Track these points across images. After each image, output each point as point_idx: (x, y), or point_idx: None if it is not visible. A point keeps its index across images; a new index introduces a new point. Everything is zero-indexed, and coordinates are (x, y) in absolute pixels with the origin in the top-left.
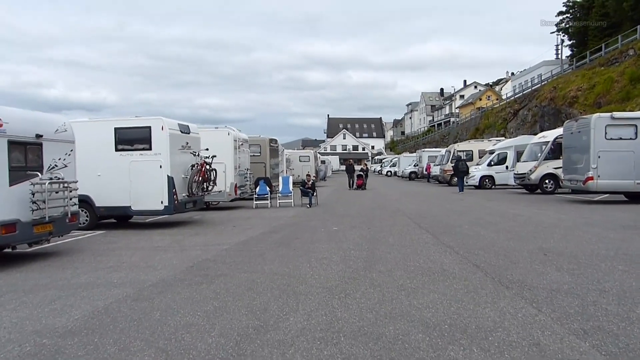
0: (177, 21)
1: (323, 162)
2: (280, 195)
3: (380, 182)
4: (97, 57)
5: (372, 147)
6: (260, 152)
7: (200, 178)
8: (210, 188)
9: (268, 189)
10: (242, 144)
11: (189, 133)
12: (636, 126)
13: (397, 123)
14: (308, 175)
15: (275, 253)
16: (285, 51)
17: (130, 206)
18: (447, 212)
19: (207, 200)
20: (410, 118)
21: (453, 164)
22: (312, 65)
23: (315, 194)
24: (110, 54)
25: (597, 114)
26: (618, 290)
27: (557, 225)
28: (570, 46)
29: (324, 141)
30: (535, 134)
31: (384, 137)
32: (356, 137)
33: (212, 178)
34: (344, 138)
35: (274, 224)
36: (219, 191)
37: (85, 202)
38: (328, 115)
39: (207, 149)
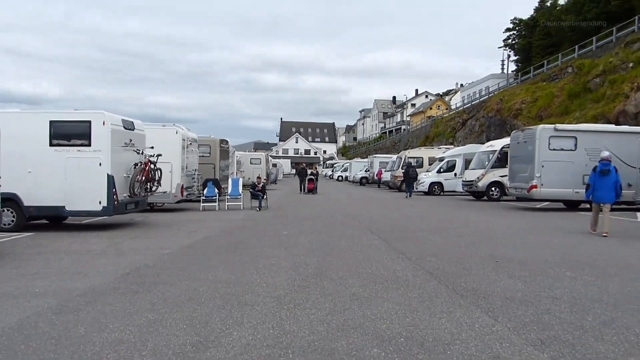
0: (130, 15)
1: (275, 165)
2: (229, 197)
3: (331, 186)
4: (42, 47)
5: (324, 152)
6: (209, 153)
7: (143, 178)
8: (154, 188)
9: (216, 191)
10: (190, 144)
11: (133, 130)
12: (576, 138)
13: (349, 129)
14: (258, 177)
15: (221, 259)
16: (241, 52)
17: (64, 206)
18: (398, 218)
19: (150, 202)
20: (363, 124)
21: (403, 170)
22: (267, 67)
23: (265, 197)
24: (57, 44)
25: (542, 125)
26: (569, 297)
27: (504, 232)
28: (516, 61)
29: (276, 144)
30: (483, 143)
31: (336, 142)
32: (309, 142)
33: (157, 178)
34: (297, 142)
35: (221, 228)
36: (164, 192)
37: (11, 200)
38: (281, 118)
39: (152, 147)
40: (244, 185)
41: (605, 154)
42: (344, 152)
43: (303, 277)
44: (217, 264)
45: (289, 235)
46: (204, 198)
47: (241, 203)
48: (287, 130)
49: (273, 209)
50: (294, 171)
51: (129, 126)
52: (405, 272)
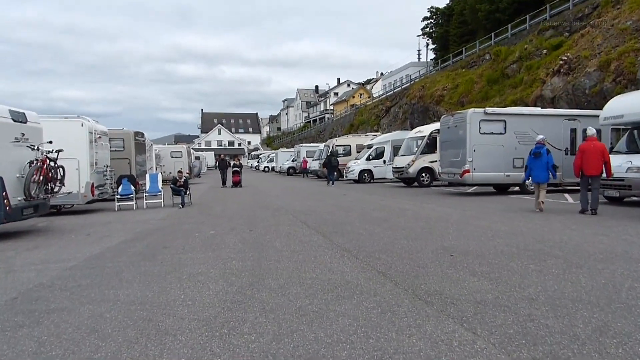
0: (27, 2)
1: (197, 158)
2: (147, 195)
3: (258, 178)
4: None
5: (249, 143)
6: (123, 147)
7: (41, 177)
8: (56, 189)
9: (133, 188)
10: (100, 137)
11: (25, 122)
12: (505, 122)
13: (273, 119)
14: (180, 172)
15: (136, 270)
16: (155, 42)
17: None
18: (332, 209)
19: (56, 204)
20: (287, 114)
21: (325, 159)
22: (183, 58)
23: (188, 192)
24: None
25: (472, 109)
26: (546, 298)
27: (446, 220)
28: (434, 49)
29: (198, 137)
30: (407, 129)
31: (260, 132)
32: (232, 133)
33: (58, 177)
34: (219, 133)
35: (138, 230)
36: (70, 192)
37: None
38: (202, 110)
39: (50, 142)
40: (164, 181)
41: (540, 137)
42: (269, 142)
43: (237, 289)
44: (132, 277)
45: (217, 235)
46: (118, 197)
47: (162, 200)
48: (208, 121)
49: (197, 205)
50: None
51: (19, 118)
52: (355, 275)
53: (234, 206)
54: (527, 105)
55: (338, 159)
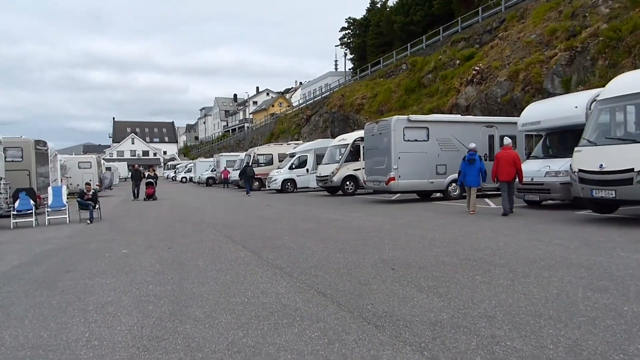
0: None
1: (109, 168)
2: (50, 210)
3: (175, 189)
4: None
5: (165, 153)
6: (22, 157)
7: None
8: None
9: (32, 202)
10: None
11: None
12: (428, 129)
13: (190, 128)
14: (88, 184)
15: (30, 302)
16: (62, 46)
17: None
18: (258, 221)
19: None
20: (204, 123)
21: (241, 169)
22: (94, 63)
23: (97, 206)
24: None
25: (396, 116)
26: (504, 314)
27: (379, 230)
28: (352, 59)
29: (109, 146)
30: (328, 137)
31: (177, 142)
32: (146, 142)
33: None
34: (133, 143)
35: (37, 251)
36: None
37: None
38: (113, 118)
39: None
40: (70, 194)
41: (472, 145)
42: (186, 152)
43: (155, 321)
44: (23, 311)
45: (131, 255)
46: (15, 213)
47: (67, 216)
48: (121, 130)
49: (108, 220)
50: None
51: None
52: (293, 296)
53: (150, 221)
54: (443, 114)
55: (261, 168)
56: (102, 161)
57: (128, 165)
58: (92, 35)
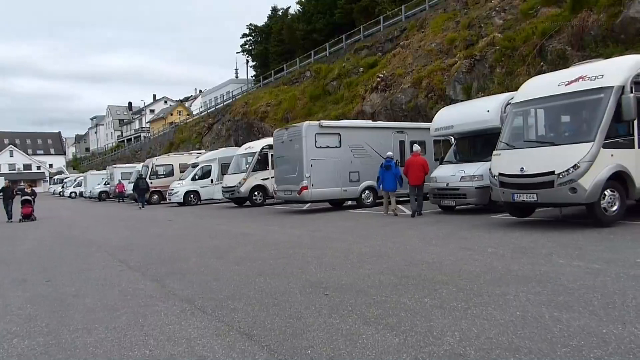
0: None
1: None
2: None
3: (63, 206)
4: None
5: (50, 166)
6: None
7: None
8: None
9: None
10: None
11: None
12: (340, 135)
13: (80, 138)
14: None
15: None
16: None
17: None
18: (158, 240)
19: None
20: (96, 133)
21: (134, 182)
22: None
23: None
24: None
25: (308, 122)
26: (476, 350)
27: (298, 245)
28: (254, 67)
29: None
30: (232, 146)
31: (64, 154)
32: (28, 155)
33: None
34: (12, 156)
35: None
36: None
37: None
38: None
39: None
40: None
41: (389, 153)
42: (75, 164)
43: None
44: None
45: None
46: None
47: None
48: None
49: None
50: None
51: None
52: (209, 342)
53: (27, 245)
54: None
55: (160, 179)
56: None
57: (4, 181)
58: None
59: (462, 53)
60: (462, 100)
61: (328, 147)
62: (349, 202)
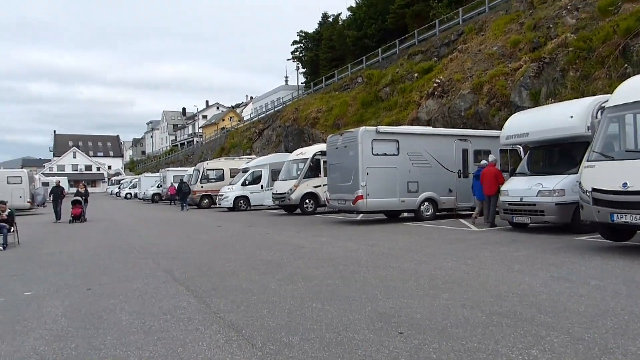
0: None
1: (46, 184)
2: None
3: (117, 206)
4: None
5: (109, 167)
6: None
7: None
8: None
9: None
10: None
11: None
12: (398, 141)
13: (137, 142)
14: (2, 203)
15: None
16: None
17: None
18: (206, 247)
19: None
20: (152, 137)
21: (177, 186)
22: (35, 75)
23: (13, 229)
24: None
25: (364, 127)
26: None
27: (357, 262)
28: (304, 73)
29: (50, 161)
30: (281, 152)
31: (122, 156)
32: (90, 157)
33: None
34: (75, 157)
35: None
36: None
37: None
38: (55, 131)
39: None
40: None
41: (483, 162)
42: (132, 167)
43: None
44: None
45: (33, 299)
46: None
47: None
48: (62, 144)
49: (26, 245)
50: (74, 190)
51: None
52: None
53: (75, 247)
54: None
55: (211, 183)
56: (38, 176)
57: (69, 181)
58: (31, 47)
59: (528, 56)
60: (528, 107)
61: (385, 154)
62: (405, 214)
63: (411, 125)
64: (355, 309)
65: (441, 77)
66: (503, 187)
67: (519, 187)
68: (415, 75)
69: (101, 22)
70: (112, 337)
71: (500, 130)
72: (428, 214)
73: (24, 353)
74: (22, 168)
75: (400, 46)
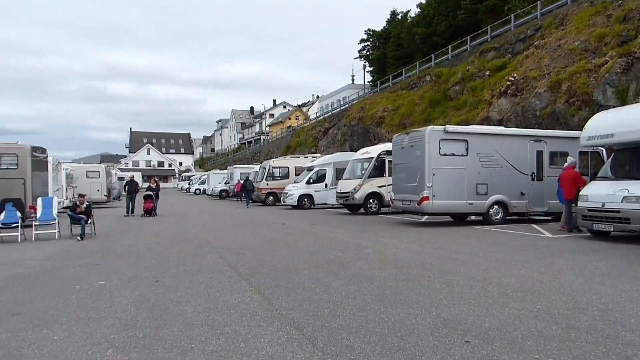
0: None
1: (122, 179)
2: (37, 223)
3: (186, 201)
4: None
5: (180, 164)
6: (17, 165)
7: None
8: None
9: (19, 215)
10: None
11: None
12: (467, 142)
13: (206, 139)
14: (81, 195)
15: None
16: (81, 59)
17: None
18: (270, 244)
19: None
20: (221, 135)
21: (242, 183)
22: (114, 76)
23: (91, 221)
24: None
25: (431, 126)
26: None
27: (421, 265)
28: (371, 72)
29: (125, 157)
30: (346, 151)
31: (192, 153)
32: (162, 153)
33: None
34: (148, 153)
35: (3, 275)
36: None
37: None
38: (130, 128)
39: None
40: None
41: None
42: (202, 164)
43: None
44: None
45: (106, 289)
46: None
47: (56, 231)
48: (137, 141)
49: (102, 237)
50: (146, 185)
51: None
52: None
53: (147, 239)
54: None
55: (276, 181)
56: (114, 171)
57: (142, 176)
58: (110, 48)
59: (615, 51)
60: (613, 106)
61: (453, 154)
62: (472, 217)
63: (481, 125)
64: (419, 313)
65: (515, 74)
66: (582, 192)
67: (601, 192)
68: (487, 72)
69: (177, 24)
70: (178, 329)
71: (580, 130)
72: (497, 217)
73: (96, 339)
74: (100, 163)
75: (472, 43)
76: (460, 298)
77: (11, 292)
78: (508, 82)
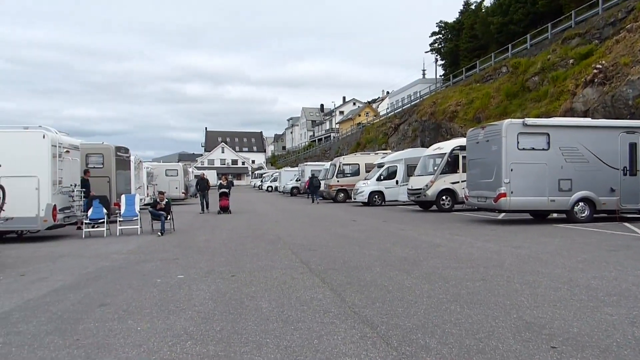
0: (36, 23)
1: (198, 177)
2: (122, 219)
3: (259, 198)
4: None
5: (253, 162)
6: (103, 164)
7: None
8: None
9: (105, 211)
10: (66, 152)
11: None
12: (548, 135)
13: (278, 138)
14: (161, 193)
15: (29, 357)
16: (161, 62)
17: None
18: (342, 241)
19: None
20: (292, 133)
21: (308, 180)
22: (190, 77)
23: (170, 217)
24: None
25: (509, 119)
26: None
27: (500, 264)
28: (443, 65)
29: (201, 155)
30: (417, 147)
31: (264, 151)
32: (236, 152)
33: None
34: (223, 152)
35: (89, 269)
36: (8, 218)
37: None
38: (206, 128)
39: None
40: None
41: None
42: (273, 161)
43: None
44: None
45: (185, 283)
46: (87, 221)
47: (139, 226)
48: (212, 140)
49: (180, 232)
50: (219, 183)
51: None
52: None
53: (223, 235)
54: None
55: (346, 178)
56: (191, 169)
57: (217, 174)
58: (187, 51)
59: None
60: None
61: (533, 149)
62: (555, 215)
63: (564, 117)
64: (498, 315)
65: (603, 61)
66: None
67: None
68: (571, 61)
69: (247, 25)
70: (253, 323)
71: None
72: (583, 215)
73: (175, 331)
74: (178, 162)
75: (553, 30)
76: (544, 300)
77: (99, 284)
78: (595, 70)
